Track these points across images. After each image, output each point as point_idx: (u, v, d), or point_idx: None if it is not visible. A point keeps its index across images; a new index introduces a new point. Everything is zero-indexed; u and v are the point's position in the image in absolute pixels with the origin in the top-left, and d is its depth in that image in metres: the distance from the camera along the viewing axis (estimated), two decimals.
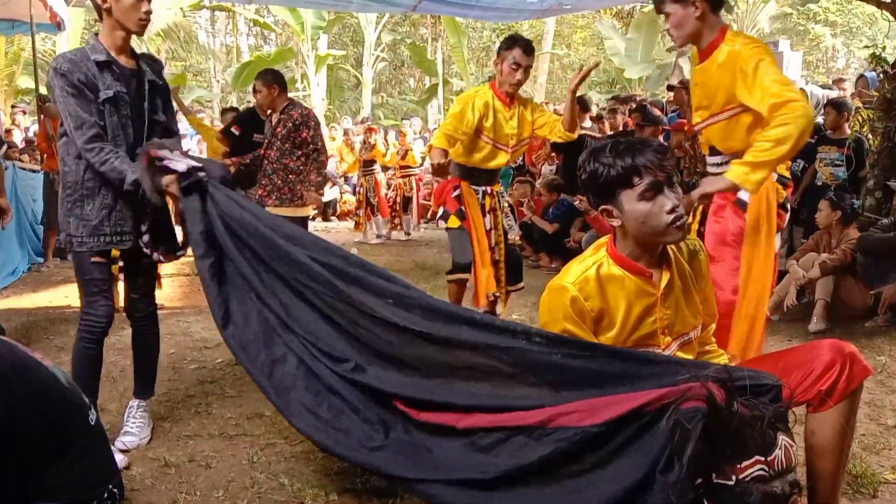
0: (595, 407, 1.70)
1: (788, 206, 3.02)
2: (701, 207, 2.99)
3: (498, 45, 3.97)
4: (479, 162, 3.87)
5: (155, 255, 2.80)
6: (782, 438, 1.55)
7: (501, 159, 3.90)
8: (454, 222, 3.91)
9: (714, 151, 2.93)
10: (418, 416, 2.05)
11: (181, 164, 2.58)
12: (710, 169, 3.00)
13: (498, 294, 3.99)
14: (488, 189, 3.97)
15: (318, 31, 18.26)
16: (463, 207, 3.89)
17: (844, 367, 1.77)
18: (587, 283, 1.91)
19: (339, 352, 2.26)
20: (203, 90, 24.13)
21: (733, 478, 1.51)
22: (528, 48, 3.73)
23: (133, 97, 2.70)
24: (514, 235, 4.02)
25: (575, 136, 3.90)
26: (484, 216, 3.92)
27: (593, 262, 1.94)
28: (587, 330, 1.90)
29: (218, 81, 25.29)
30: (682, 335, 2.00)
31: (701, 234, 2.95)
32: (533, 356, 1.88)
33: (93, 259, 2.68)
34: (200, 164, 2.62)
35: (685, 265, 2.00)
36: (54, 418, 1.82)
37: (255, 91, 5.05)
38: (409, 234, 10.52)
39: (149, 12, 2.64)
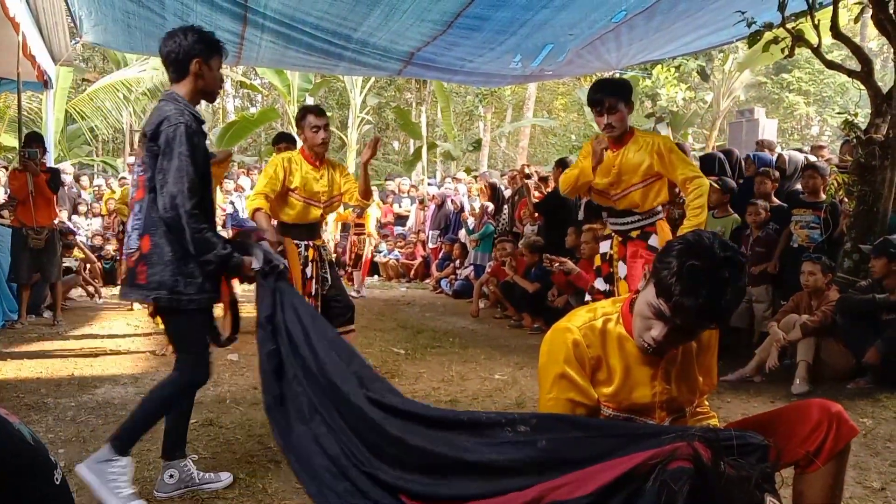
0: (584, 477, 1.66)
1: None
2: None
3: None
4: (295, 218, 4.31)
5: None
6: (770, 500, 1.52)
7: (315, 213, 4.35)
8: None
9: (629, 213, 3.91)
10: None
11: (277, 257, 2.75)
12: (624, 226, 3.96)
13: None
14: (310, 243, 4.35)
15: (304, 94, 18.49)
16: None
17: (832, 427, 1.74)
18: (591, 331, 1.90)
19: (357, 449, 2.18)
20: None
21: None
22: (318, 112, 4.30)
23: None
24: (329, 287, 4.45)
25: (369, 203, 4.58)
26: (306, 266, 4.30)
27: (603, 314, 1.93)
28: (585, 377, 1.88)
29: None
30: (677, 410, 1.98)
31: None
32: (519, 447, 1.83)
33: (201, 316, 2.70)
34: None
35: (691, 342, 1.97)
36: (17, 476, 1.75)
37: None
38: (359, 292, 9.80)
39: (223, 81, 2.73)
